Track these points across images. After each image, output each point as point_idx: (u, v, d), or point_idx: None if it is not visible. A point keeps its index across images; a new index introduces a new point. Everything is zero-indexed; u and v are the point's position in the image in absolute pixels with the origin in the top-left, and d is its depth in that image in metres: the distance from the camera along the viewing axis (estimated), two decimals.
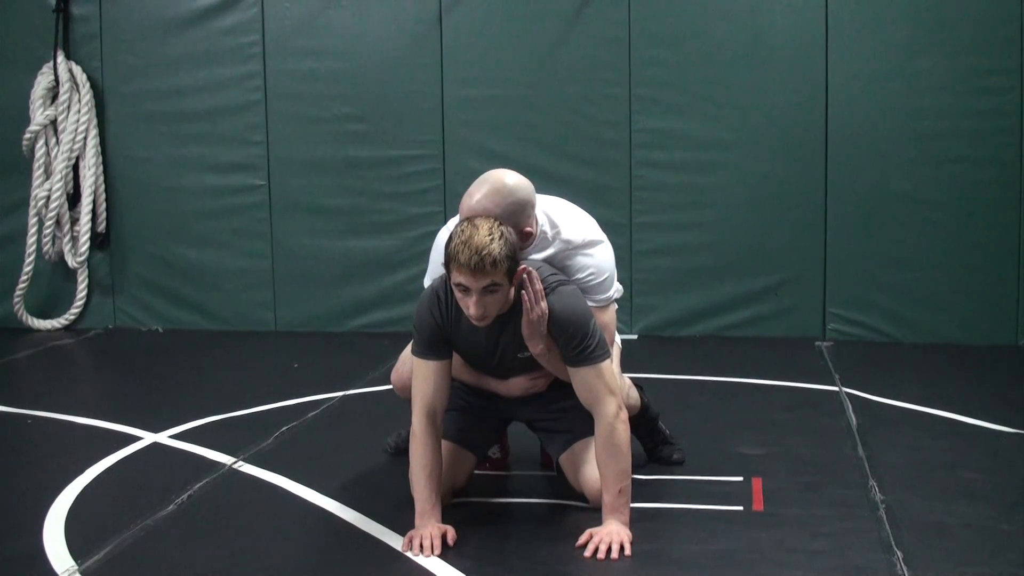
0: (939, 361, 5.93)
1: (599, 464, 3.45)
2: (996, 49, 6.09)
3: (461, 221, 3.37)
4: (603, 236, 3.72)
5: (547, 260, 3.59)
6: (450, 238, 3.30)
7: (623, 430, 3.41)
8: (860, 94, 6.25)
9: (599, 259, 3.64)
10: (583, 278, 3.60)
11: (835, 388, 5.29)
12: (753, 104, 6.36)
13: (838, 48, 6.25)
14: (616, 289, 3.94)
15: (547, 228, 3.60)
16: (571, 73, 6.51)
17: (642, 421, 4.05)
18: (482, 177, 3.48)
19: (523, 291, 3.35)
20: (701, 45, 6.39)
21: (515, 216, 3.42)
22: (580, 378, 3.44)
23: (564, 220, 3.64)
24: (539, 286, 3.36)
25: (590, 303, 3.55)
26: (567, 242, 3.61)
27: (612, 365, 3.52)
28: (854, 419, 4.72)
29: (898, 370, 5.73)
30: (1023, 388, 5.35)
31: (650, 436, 4.14)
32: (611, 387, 3.43)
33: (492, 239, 3.22)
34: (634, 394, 3.97)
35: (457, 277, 3.25)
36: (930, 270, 6.28)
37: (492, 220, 3.30)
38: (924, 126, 6.20)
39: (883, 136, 6.25)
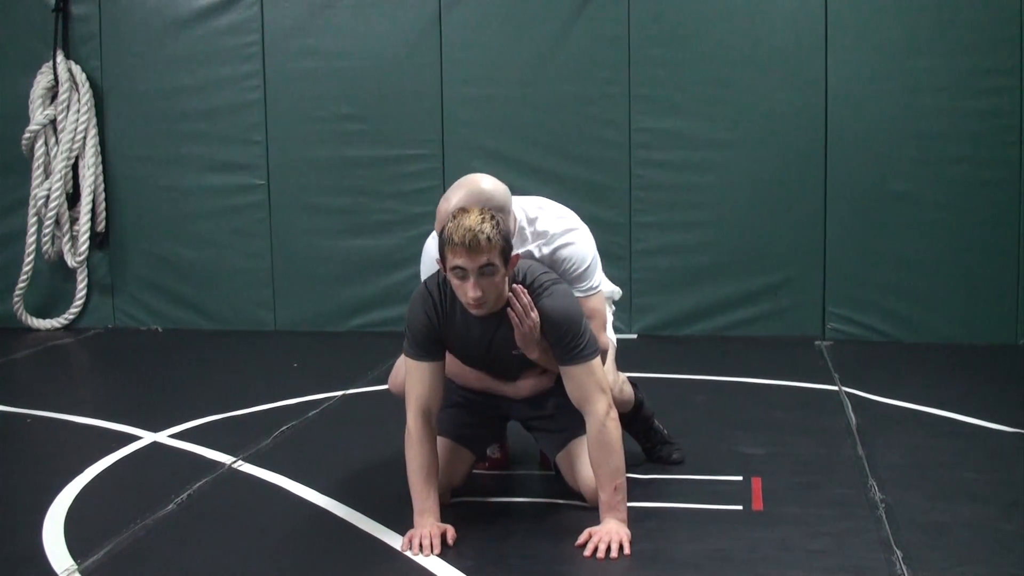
0: (939, 361, 5.93)
1: (592, 463, 3.45)
2: (996, 49, 6.09)
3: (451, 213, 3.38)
4: (580, 223, 3.71)
5: (529, 256, 3.58)
6: (443, 228, 3.31)
7: (613, 428, 3.41)
8: (860, 94, 6.25)
9: (577, 247, 3.62)
10: (567, 270, 3.60)
11: (835, 388, 5.29)
12: (753, 104, 6.36)
13: (838, 48, 6.25)
14: (613, 290, 3.95)
15: (524, 223, 3.61)
16: (570, 72, 6.51)
17: (635, 419, 4.04)
18: (458, 182, 3.51)
19: (509, 308, 3.36)
20: (701, 45, 6.39)
21: (495, 198, 3.45)
22: (571, 376, 3.44)
23: (539, 213, 3.66)
24: (526, 299, 3.37)
25: (577, 293, 3.56)
26: (543, 233, 3.60)
27: (603, 363, 3.51)
28: (854, 419, 4.72)
29: (898, 370, 5.73)
30: (1023, 388, 5.35)
31: (646, 436, 4.14)
32: (601, 385, 3.43)
33: (484, 220, 3.25)
34: (628, 389, 3.96)
35: (453, 260, 3.26)
36: (930, 270, 6.28)
37: (482, 207, 3.33)
38: (924, 126, 6.20)
39: (883, 136, 6.25)
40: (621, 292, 4.06)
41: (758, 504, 3.73)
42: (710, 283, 6.51)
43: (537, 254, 3.60)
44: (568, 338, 3.40)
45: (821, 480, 3.95)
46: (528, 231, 3.61)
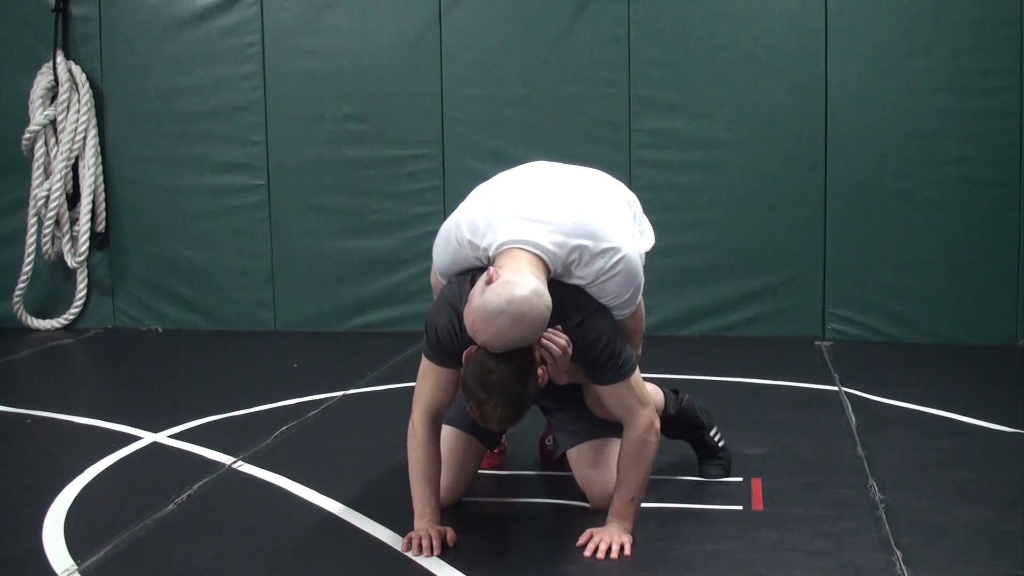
0: (939, 361, 5.93)
1: (620, 469, 3.40)
2: (995, 49, 6.09)
3: (466, 389, 3.14)
4: (624, 248, 3.31)
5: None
6: (469, 396, 3.14)
7: (654, 443, 3.38)
8: (859, 94, 6.25)
9: (617, 282, 3.32)
10: (607, 300, 3.36)
11: (835, 388, 5.29)
12: (753, 104, 6.36)
13: (838, 48, 6.25)
14: (649, 246, 3.70)
15: (561, 271, 3.28)
16: (571, 73, 6.51)
17: (679, 425, 3.94)
18: (495, 301, 3.05)
19: (542, 343, 3.23)
20: (701, 45, 6.39)
21: (530, 337, 3.13)
22: (611, 394, 3.38)
23: (577, 256, 3.27)
24: (562, 341, 3.24)
25: (616, 315, 3.40)
26: (582, 277, 3.31)
27: (640, 377, 3.43)
28: (854, 419, 4.72)
29: (898, 370, 5.73)
30: (1023, 388, 5.36)
31: (696, 446, 4.02)
32: (642, 398, 3.38)
33: (501, 412, 3.12)
34: (658, 399, 3.83)
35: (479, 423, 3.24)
36: (930, 270, 6.28)
37: (494, 402, 3.09)
38: (923, 126, 6.20)
39: (882, 136, 6.26)
40: (653, 239, 3.76)
41: (758, 504, 3.73)
42: (710, 283, 6.50)
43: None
44: (601, 360, 3.31)
45: (821, 480, 3.95)
46: (564, 277, 3.31)
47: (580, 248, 3.26)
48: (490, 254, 3.30)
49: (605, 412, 3.52)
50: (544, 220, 3.27)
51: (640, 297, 3.49)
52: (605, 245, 3.29)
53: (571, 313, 3.28)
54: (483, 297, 3.08)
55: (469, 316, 3.11)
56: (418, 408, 3.42)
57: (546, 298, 3.12)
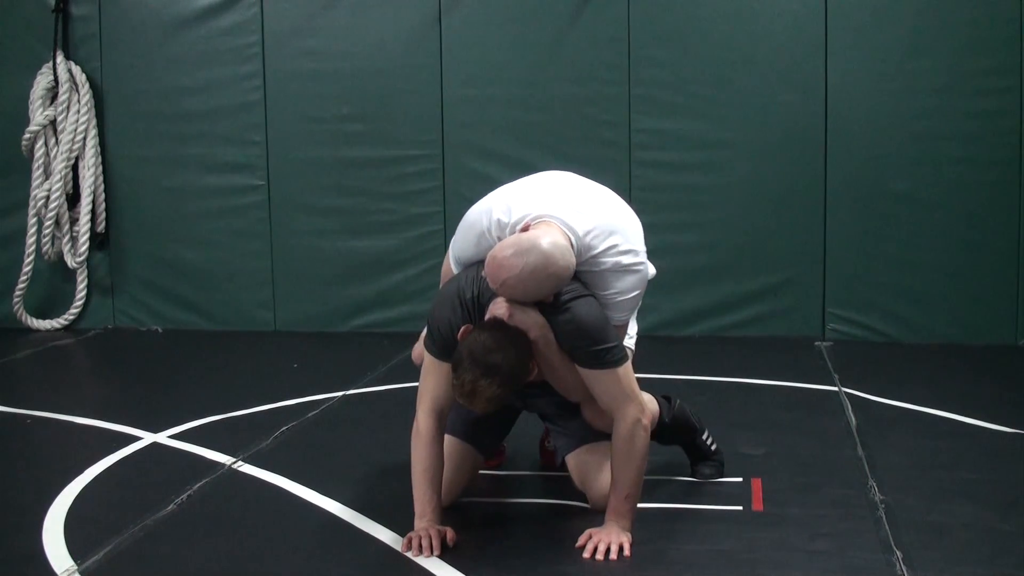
0: (939, 361, 5.93)
1: (613, 466, 3.39)
2: (996, 49, 6.09)
3: (462, 362, 3.18)
4: (643, 255, 3.52)
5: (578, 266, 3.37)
6: (462, 370, 3.18)
7: (643, 437, 3.36)
8: (860, 94, 6.25)
9: (629, 281, 3.44)
10: (603, 295, 3.41)
11: (835, 388, 5.29)
12: (753, 104, 6.36)
13: (838, 48, 6.25)
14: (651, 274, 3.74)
15: (579, 256, 3.34)
16: (570, 73, 6.51)
17: (673, 432, 3.92)
18: (528, 241, 3.20)
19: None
20: (701, 45, 6.39)
21: (547, 289, 3.25)
22: (598, 382, 3.35)
23: (605, 246, 3.39)
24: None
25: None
26: (602, 264, 3.38)
27: (631, 371, 3.42)
28: (854, 419, 4.72)
29: (898, 370, 5.73)
30: (1023, 388, 5.36)
31: (688, 450, 4.01)
32: (631, 392, 3.37)
33: (497, 396, 3.19)
34: (651, 407, 3.81)
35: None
36: (930, 270, 6.28)
37: (491, 380, 3.16)
38: (923, 126, 6.20)
39: (882, 136, 6.26)
40: (654, 272, 3.79)
41: (758, 505, 3.73)
42: (710, 283, 6.50)
43: (591, 271, 3.42)
44: (588, 344, 3.30)
45: (821, 481, 3.95)
46: (581, 264, 3.36)
47: (607, 238, 3.39)
48: (519, 226, 3.35)
49: (601, 423, 3.52)
50: (580, 211, 3.39)
51: (625, 315, 3.55)
52: (630, 247, 3.46)
53: (560, 305, 3.31)
54: (520, 234, 3.24)
55: (499, 252, 3.20)
56: (422, 407, 3.42)
57: (573, 262, 3.26)
